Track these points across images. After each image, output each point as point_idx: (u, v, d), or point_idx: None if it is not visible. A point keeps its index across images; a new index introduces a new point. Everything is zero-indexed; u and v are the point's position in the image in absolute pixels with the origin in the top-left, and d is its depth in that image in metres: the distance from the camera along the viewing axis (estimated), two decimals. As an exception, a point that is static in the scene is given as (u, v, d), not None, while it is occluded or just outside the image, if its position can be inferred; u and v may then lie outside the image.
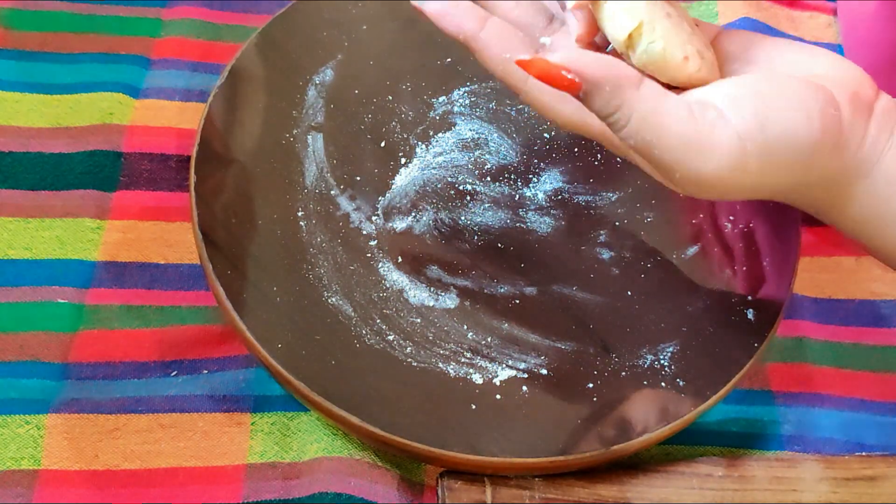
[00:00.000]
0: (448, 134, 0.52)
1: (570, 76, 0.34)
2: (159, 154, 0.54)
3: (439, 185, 0.50)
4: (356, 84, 0.53)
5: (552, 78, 0.34)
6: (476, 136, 0.53)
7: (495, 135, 0.53)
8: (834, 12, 0.69)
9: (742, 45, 0.39)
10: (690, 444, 0.47)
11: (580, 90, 0.34)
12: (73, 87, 0.56)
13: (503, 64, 0.40)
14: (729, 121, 0.34)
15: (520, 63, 0.35)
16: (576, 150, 0.53)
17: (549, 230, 0.49)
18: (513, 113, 0.54)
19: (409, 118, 0.52)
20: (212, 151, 0.47)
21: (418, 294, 0.46)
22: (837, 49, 0.67)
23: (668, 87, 0.36)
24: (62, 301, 0.47)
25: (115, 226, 0.51)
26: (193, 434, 0.44)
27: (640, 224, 0.49)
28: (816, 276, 0.54)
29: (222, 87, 0.49)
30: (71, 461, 0.43)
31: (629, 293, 0.47)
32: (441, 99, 0.53)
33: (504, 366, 0.44)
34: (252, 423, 0.45)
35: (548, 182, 0.51)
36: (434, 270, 0.47)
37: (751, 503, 0.43)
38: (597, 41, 0.39)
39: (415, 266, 0.47)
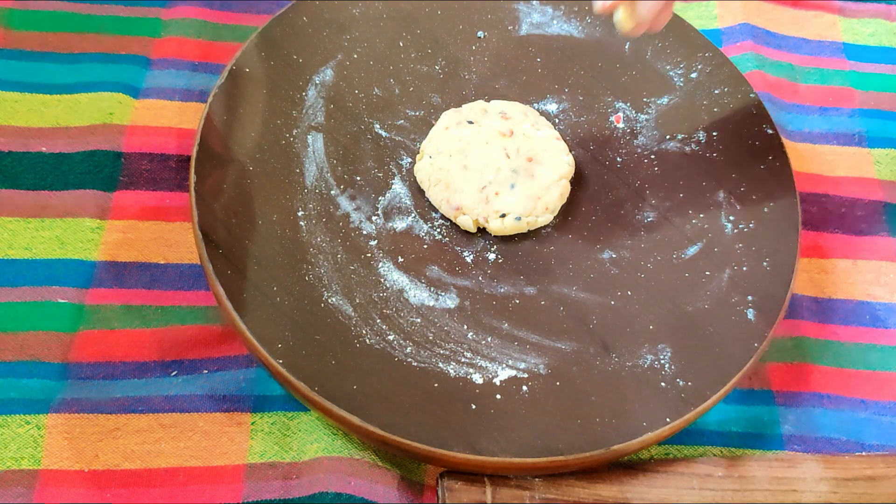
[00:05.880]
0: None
1: None
2: (159, 154, 0.54)
3: (439, 185, 0.50)
4: (356, 84, 0.53)
5: None
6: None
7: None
8: (839, 11, 0.69)
9: None
10: (690, 444, 0.47)
11: None
12: (73, 87, 0.56)
13: None
14: None
15: None
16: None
17: (548, 230, 0.49)
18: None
19: (409, 118, 0.52)
20: (212, 151, 0.47)
21: (418, 294, 0.46)
22: (842, 48, 0.67)
23: None
24: (62, 301, 0.47)
25: (115, 226, 0.51)
26: (193, 434, 0.44)
27: (640, 224, 0.49)
28: (815, 277, 0.54)
29: (222, 87, 0.50)
30: (71, 461, 0.43)
31: (629, 293, 0.47)
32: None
33: (504, 366, 0.44)
34: (252, 423, 0.45)
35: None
36: (434, 270, 0.47)
37: (750, 503, 0.43)
38: None
39: (415, 266, 0.47)
